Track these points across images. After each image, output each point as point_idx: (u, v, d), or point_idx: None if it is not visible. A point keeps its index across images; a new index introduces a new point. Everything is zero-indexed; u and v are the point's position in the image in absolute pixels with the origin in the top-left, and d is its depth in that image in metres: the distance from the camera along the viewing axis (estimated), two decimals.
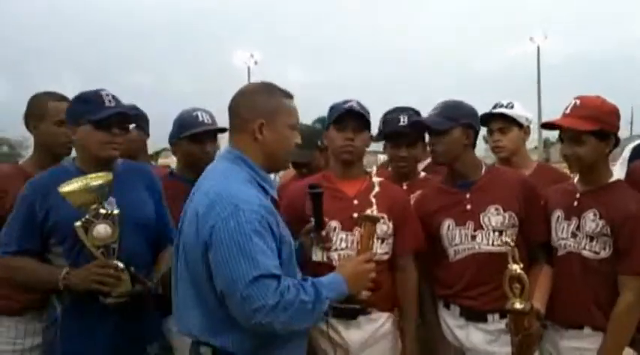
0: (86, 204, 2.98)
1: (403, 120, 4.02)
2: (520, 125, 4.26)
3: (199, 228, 2.55)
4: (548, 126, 3.37)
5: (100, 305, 3.05)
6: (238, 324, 2.51)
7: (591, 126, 3.19)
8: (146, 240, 3.28)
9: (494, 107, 4.28)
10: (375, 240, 3.25)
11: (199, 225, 2.55)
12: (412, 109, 4.13)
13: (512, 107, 4.26)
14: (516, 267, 2.99)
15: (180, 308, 2.72)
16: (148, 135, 4.65)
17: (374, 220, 2.99)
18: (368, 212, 3.00)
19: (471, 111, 3.57)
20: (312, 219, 3.20)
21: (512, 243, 3.05)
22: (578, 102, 3.30)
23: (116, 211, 3.03)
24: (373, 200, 3.05)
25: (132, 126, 3.72)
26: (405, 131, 4.00)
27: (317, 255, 3.34)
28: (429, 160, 4.22)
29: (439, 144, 3.48)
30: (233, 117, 2.83)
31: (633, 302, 3.15)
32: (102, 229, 2.99)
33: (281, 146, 2.78)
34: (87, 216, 2.98)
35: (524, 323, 3.05)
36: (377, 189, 3.13)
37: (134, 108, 4.12)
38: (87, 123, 3.15)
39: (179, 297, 2.73)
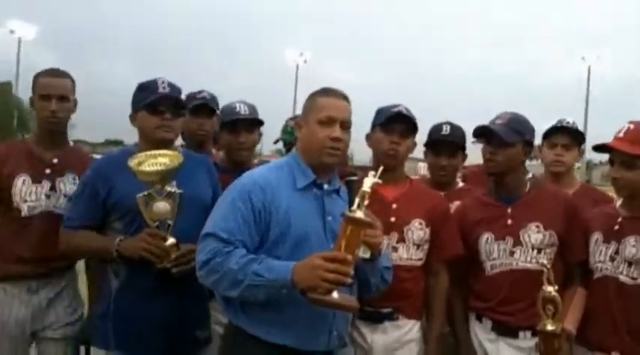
0: (153, 182, 3.13)
1: (446, 129, 4.07)
2: (580, 145, 4.27)
3: None
4: (600, 148, 3.33)
5: (154, 284, 3.23)
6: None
7: None
8: (202, 224, 3.28)
9: (559, 123, 4.24)
10: (404, 242, 3.37)
11: None
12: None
13: (577, 127, 4.26)
14: (551, 289, 3.00)
15: None
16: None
17: (360, 224, 2.63)
18: (358, 214, 2.63)
19: (533, 129, 3.56)
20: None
21: (548, 265, 3.03)
22: (632, 126, 3.26)
23: (179, 191, 3.18)
24: (357, 201, 2.66)
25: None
26: (447, 140, 4.04)
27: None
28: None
29: (500, 155, 3.44)
30: None
31: None
32: (161, 206, 3.14)
33: (310, 141, 2.94)
34: (150, 191, 3.13)
35: (555, 344, 3.04)
36: (367, 189, 2.69)
37: (199, 92, 4.28)
38: (143, 109, 3.35)
39: None
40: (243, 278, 2.64)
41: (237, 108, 4.09)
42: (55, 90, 3.67)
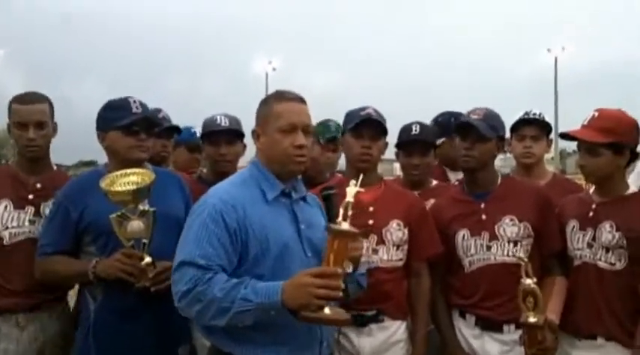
0: (125, 201, 3.10)
1: (415, 129, 4.09)
2: (549, 135, 4.33)
3: None
4: (565, 136, 3.40)
5: (132, 303, 3.19)
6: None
7: (607, 139, 3.21)
8: (177, 240, 3.33)
9: (526, 114, 4.30)
10: (384, 244, 3.38)
11: None
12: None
13: (543, 117, 4.32)
14: (530, 282, 3.02)
15: None
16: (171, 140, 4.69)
17: (347, 236, 2.62)
18: (344, 226, 2.60)
19: (504, 124, 3.60)
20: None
21: (525, 258, 3.04)
22: (596, 114, 3.32)
23: (152, 209, 3.14)
24: (341, 211, 2.64)
25: None
26: (417, 139, 4.07)
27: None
28: None
29: (477, 149, 3.45)
30: None
31: None
32: (136, 225, 3.10)
33: (274, 150, 2.82)
34: (123, 211, 3.09)
35: (538, 336, 3.06)
36: (350, 199, 2.65)
37: (158, 111, 4.30)
38: (115, 130, 3.31)
39: None
40: (230, 306, 2.53)
41: (217, 121, 4.12)
42: (32, 118, 3.58)
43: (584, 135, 3.28)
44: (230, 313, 2.54)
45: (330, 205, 2.84)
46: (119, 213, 3.08)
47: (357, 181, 2.68)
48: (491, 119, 3.51)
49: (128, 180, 3.15)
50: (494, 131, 3.48)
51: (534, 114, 4.29)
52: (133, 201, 3.09)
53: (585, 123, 3.32)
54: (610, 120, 3.28)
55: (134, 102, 3.36)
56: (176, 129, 4.56)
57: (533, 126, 4.24)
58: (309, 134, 2.90)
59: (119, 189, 3.10)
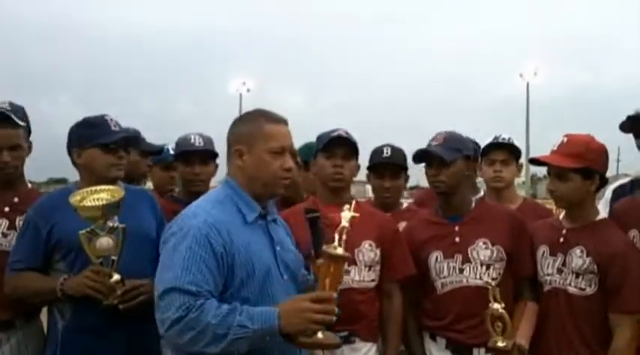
0: (95, 217, 3.07)
1: (386, 151, 4.13)
2: (518, 160, 4.35)
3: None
4: (535, 162, 3.44)
5: (101, 322, 3.15)
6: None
7: (576, 164, 3.26)
8: (147, 257, 3.32)
9: (495, 139, 4.34)
10: (356, 264, 3.38)
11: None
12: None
13: (512, 142, 4.35)
14: (498, 307, 3.01)
15: None
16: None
17: (339, 259, 2.67)
18: (339, 251, 2.65)
19: (471, 143, 3.64)
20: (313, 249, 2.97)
21: (494, 283, 3.04)
22: (565, 139, 3.36)
23: (122, 225, 3.12)
24: (336, 236, 2.70)
25: None
26: (389, 162, 4.11)
27: None
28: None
29: (443, 175, 3.47)
30: (227, 145, 2.89)
31: (630, 339, 3.17)
32: (105, 241, 3.07)
33: (261, 171, 2.77)
34: (93, 227, 3.06)
35: None
36: (345, 224, 2.73)
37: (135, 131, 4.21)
38: (94, 147, 3.31)
39: None
40: (226, 332, 2.46)
41: (192, 140, 4.11)
42: (5, 142, 3.54)
43: (553, 161, 3.32)
44: (227, 340, 2.47)
45: (316, 228, 2.86)
46: (88, 230, 3.05)
47: (350, 206, 2.72)
48: (453, 142, 3.53)
49: (98, 196, 3.13)
50: (458, 152, 3.50)
51: (503, 138, 4.34)
52: (102, 216, 3.07)
53: (555, 148, 3.36)
54: (578, 146, 3.31)
55: (111, 120, 3.38)
56: (159, 152, 4.54)
57: (503, 151, 4.28)
58: (294, 156, 2.94)
59: (89, 204, 3.08)
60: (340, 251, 2.63)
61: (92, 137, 3.32)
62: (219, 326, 2.46)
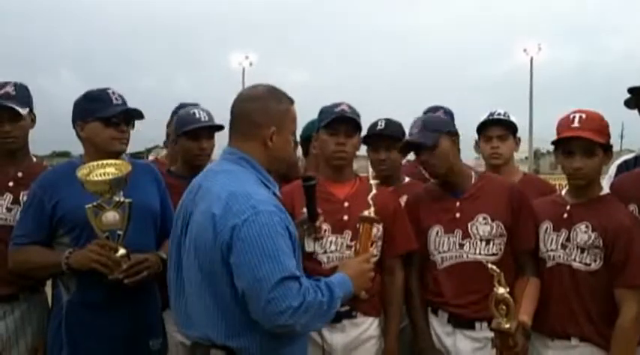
0: (102, 192, 3.09)
1: (381, 124, 4.14)
2: (515, 135, 4.32)
3: (218, 230, 2.53)
4: (559, 140, 3.35)
5: (105, 296, 3.18)
6: (258, 325, 2.53)
7: (603, 139, 3.26)
8: (152, 231, 3.42)
9: (491, 115, 4.31)
10: (374, 242, 3.35)
11: (217, 227, 2.53)
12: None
13: (508, 117, 4.31)
14: (502, 291, 3.00)
15: (194, 312, 2.67)
16: None
17: (372, 221, 3.04)
18: (366, 213, 3.03)
19: (448, 119, 3.65)
20: (305, 211, 3.23)
21: (497, 269, 3.01)
22: (583, 115, 3.30)
23: (128, 200, 3.13)
24: (370, 202, 3.08)
25: None
26: (382, 134, 4.11)
27: (309, 246, 3.36)
28: None
29: (433, 158, 3.49)
30: (242, 121, 2.80)
31: (636, 314, 3.18)
32: (111, 216, 3.10)
33: (286, 151, 2.85)
34: (99, 201, 3.08)
35: (510, 342, 3.06)
36: (374, 191, 3.15)
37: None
38: (96, 120, 3.31)
39: (192, 301, 2.68)
40: (329, 306, 2.57)
41: (197, 115, 4.04)
42: (5, 112, 3.55)
43: (587, 135, 3.24)
44: (330, 312, 2.61)
45: (311, 193, 3.11)
46: (95, 204, 3.07)
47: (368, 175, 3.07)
48: (431, 124, 3.55)
49: (105, 170, 3.15)
50: (438, 132, 3.49)
51: (499, 114, 4.30)
52: (109, 191, 3.09)
53: (576, 124, 3.28)
54: (598, 121, 3.31)
55: (113, 93, 3.37)
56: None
57: (499, 127, 4.25)
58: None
59: (96, 178, 3.09)
60: (372, 213, 3.04)
61: (94, 111, 3.32)
62: (325, 302, 2.56)
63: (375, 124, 4.16)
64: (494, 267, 3.02)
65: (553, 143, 3.41)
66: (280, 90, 2.87)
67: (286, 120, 2.81)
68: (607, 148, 3.31)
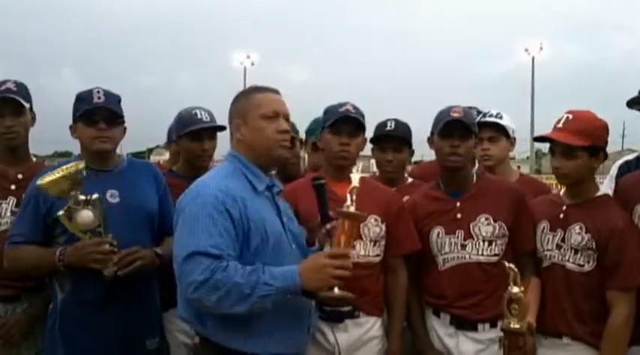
0: (63, 192, 3.10)
1: (390, 125, 4.15)
2: (508, 136, 4.31)
3: (175, 216, 2.81)
4: (540, 139, 3.42)
5: (100, 295, 3.20)
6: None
7: (584, 142, 3.24)
8: (149, 230, 3.44)
9: (483, 116, 4.33)
10: (361, 239, 3.40)
11: (175, 214, 2.82)
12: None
13: (501, 118, 4.30)
14: (517, 290, 2.99)
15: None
16: None
17: (347, 216, 2.80)
18: (345, 208, 2.80)
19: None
20: (319, 214, 3.13)
21: (514, 268, 3.00)
22: (570, 116, 3.33)
23: (95, 196, 3.15)
24: (348, 196, 2.84)
25: None
26: (391, 135, 4.12)
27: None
28: None
29: (463, 147, 3.46)
30: (228, 122, 3.04)
31: (627, 316, 3.19)
32: (85, 215, 3.11)
33: (259, 137, 2.89)
34: (68, 205, 3.10)
35: (519, 342, 3.06)
36: (355, 184, 2.87)
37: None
38: (80, 121, 3.37)
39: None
40: (251, 291, 2.58)
41: (199, 116, 4.03)
42: (8, 106, 3.56)
43: (562, 138, 3.28)
44: (252, 298, 2.59)
45: (322, 193, 3.05)
46: (65, 209, 3.10)
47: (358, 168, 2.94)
48: (470, 117, 3.55)
49: (56, 176, 3.13)
50: (475, 127, 3.53)
51: (491, 115, 4.31)
52: (71, 189, 3.10)
53: (560, 125, 3.32)
54: (585, 122, 3.30)
55: (97, 92, 3.37)
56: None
57: (490, 128, 4.25)
58: (289, 124, 2.98)
59: (47, 179, 3.09)
60: (352, 209, 2.77)
61: (77, 111, 3.37)
62: (245, 285, 2.58)
63: (384, 125, 4.16)
64: (512, 266, 3.03)
65: (536, 141, 3.50)
66: (257, 86, 3.02)
67: (249, 109, 2.91)
68: (596, 150, 3.30)
